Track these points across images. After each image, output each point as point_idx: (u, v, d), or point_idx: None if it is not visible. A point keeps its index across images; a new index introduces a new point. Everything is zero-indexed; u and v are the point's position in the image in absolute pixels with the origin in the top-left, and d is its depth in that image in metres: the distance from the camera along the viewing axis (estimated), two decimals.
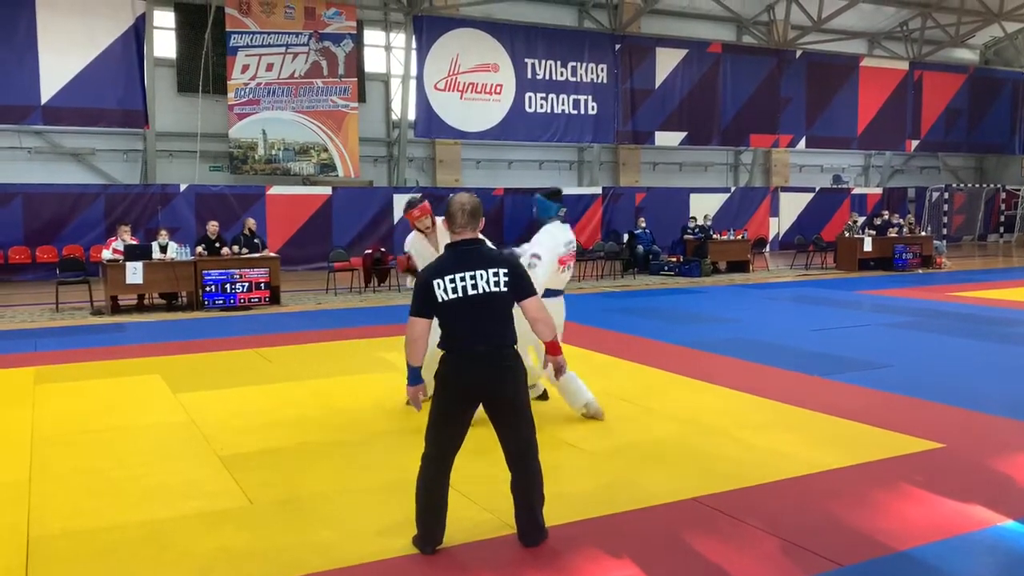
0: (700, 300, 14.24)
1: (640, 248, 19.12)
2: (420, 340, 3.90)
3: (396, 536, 4.13)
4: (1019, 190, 29.73)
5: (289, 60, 19.96)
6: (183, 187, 18.70)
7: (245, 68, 19.57)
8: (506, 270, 3.84)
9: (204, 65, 19.36)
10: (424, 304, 3.85)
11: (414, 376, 3.99)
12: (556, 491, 4.77)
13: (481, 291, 3.78)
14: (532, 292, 3.95)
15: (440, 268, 3.86)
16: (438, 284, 3.79)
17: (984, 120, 30.04)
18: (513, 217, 21.30)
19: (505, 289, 3.82)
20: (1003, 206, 29.86)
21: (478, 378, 3.82)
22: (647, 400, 6.87)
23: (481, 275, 3.80)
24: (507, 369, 3.86)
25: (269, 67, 19.78)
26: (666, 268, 18.28)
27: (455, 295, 3.77)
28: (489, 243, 4.16)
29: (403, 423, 6.23)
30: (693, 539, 4.09)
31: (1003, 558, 3.94)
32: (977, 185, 30.26)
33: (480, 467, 4.74)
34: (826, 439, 5.70)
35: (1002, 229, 29.85)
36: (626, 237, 19.73)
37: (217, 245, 13.55)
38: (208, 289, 12.70)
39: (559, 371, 4.25)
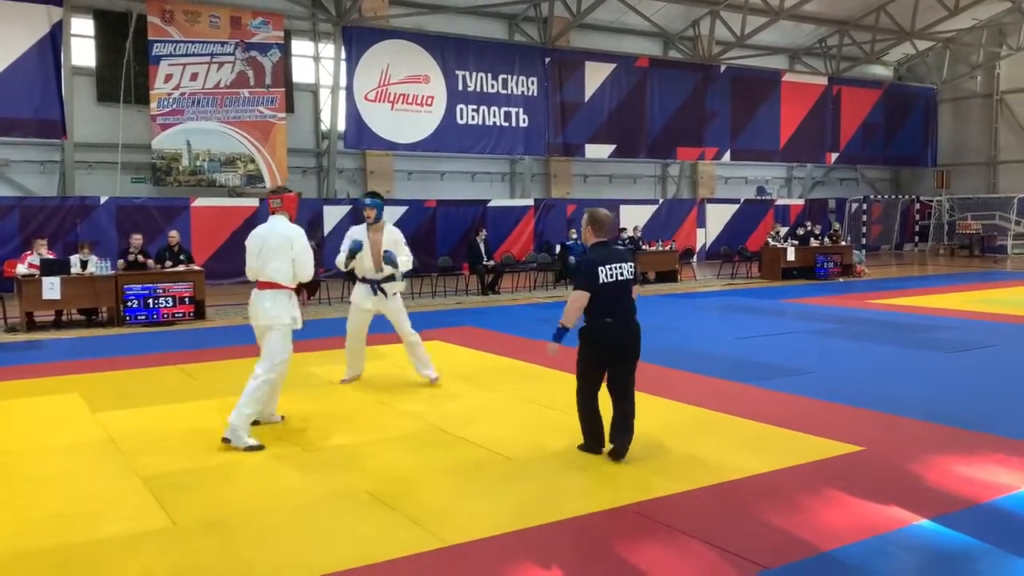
0: None
1: (572, 259, 19.21)
2: (583, 309, 5.37)
3: (323, 554, 4.06)
4: (932, 201, 30.99)
5: (214, 70, 19.54)
6: (103, 199, 18.11)
7: (168, 77, 19.08)
8: (631, 264, 5.54)
9: (125, 74, 18.83)
10: (592, 282, 5.35)
11: (562, 335, 5.45)
12: (486, 502, 4.77)
13: (626, 277, 5.46)
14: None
15: (601, 258, 5.43)
16: (601, 269, 5.36)
17: (899, 134, 31.27)
18: (446, 228, 21.25)
19: (632, 276, 5.53)
20: (918, 216, 31.10)
21: (622, 339, 5.46)
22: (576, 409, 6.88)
23: (626, 266, 5.48)
24: (637, 333, 5.54)
25: (193, 77, 19.33)
26: None
27: (611, 279, 5.38)
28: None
29: (332, 440, 6.15)
30: (623, 546, 4.13)
31: (920, 556, 4.08)
32: (893, 196, 31.42)
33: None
34: (752, 444, 5.83)
35: (917, 238, 31.09)
36: (558, 248, 19.86)
37: (140, 260, 13.12)
38: (130, 304, 12.31)
39: None
